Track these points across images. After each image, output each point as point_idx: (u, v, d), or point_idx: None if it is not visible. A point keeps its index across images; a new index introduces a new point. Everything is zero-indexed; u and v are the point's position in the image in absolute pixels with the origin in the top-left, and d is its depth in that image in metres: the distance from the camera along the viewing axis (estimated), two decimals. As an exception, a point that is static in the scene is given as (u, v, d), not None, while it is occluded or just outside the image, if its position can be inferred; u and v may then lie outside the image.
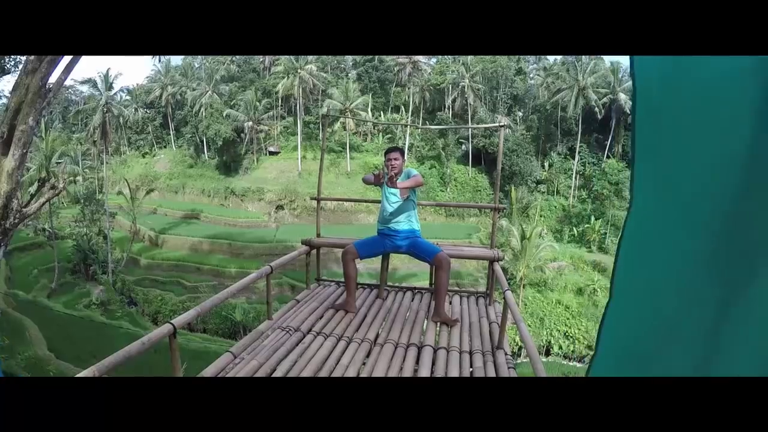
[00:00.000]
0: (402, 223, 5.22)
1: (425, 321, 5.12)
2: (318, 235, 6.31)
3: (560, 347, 38.85)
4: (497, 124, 6.43)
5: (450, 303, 5.74)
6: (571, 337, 39.51)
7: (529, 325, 30.82)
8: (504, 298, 4.10)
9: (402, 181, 4.83)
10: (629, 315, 1.50)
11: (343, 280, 5.92)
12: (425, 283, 7.15)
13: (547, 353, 37.66)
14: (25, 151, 8.38)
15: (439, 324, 4.98)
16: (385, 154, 5.29)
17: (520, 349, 29.32)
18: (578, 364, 36.70)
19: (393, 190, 5.17)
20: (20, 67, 11.74)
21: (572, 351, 38.56)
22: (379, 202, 5.67)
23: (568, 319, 40.62)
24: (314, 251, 6.27)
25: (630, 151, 1.38)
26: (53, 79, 8.76)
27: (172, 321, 3.26)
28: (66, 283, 42.20)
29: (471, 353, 4.34)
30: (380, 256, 5.69)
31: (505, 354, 4.31)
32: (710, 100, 1.26)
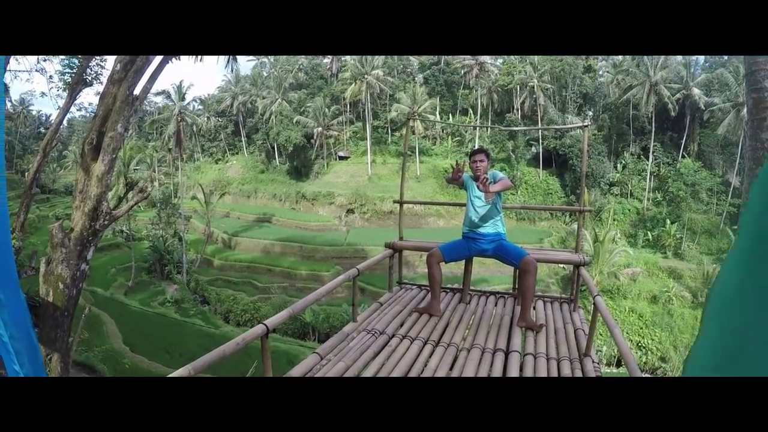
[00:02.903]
0: (488, 227, 5.15)
1: (510, 326, 5.02)
2: (401, 239, 6.31)
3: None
4: (580, 125, 6.24)
5: (534, 308, 5.62)
6: (644, 347, 38.17)
7: (600, 335, 29.95)
8: (594, 303, 3.99)
9: (492, 185, 4.76)
10: (728, 315, 1.41)
11: (424, 283, 5.90)
12: (499, 289, 7.04)
13: (618, 364, 36.50)
14: (114, 156, 8.76)
15: (524, 329, 4.89)
16: (470, 156, 5.22)
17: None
18: (651, 376, 35.32)
19: (478, 194, 5.11)
20: (101, 78, 12.36)
21: (644, 363, 37.05)
22: (461, 205, 5.61)
23: (641, 328, 39.27)
24: (397, 254, 6.27)
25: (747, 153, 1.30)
26: (138, 88, 9.13)
27: (265, 322, 3.28)
28: (142, 281, 43.82)
29: (558, 360, 4.25)
30: (463, 260, 5.62)
31: (593, 362, 4.20)
32: None
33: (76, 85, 12.30)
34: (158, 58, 9.59)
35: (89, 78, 12.74)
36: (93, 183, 8.52)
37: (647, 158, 56.17)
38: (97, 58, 12.66)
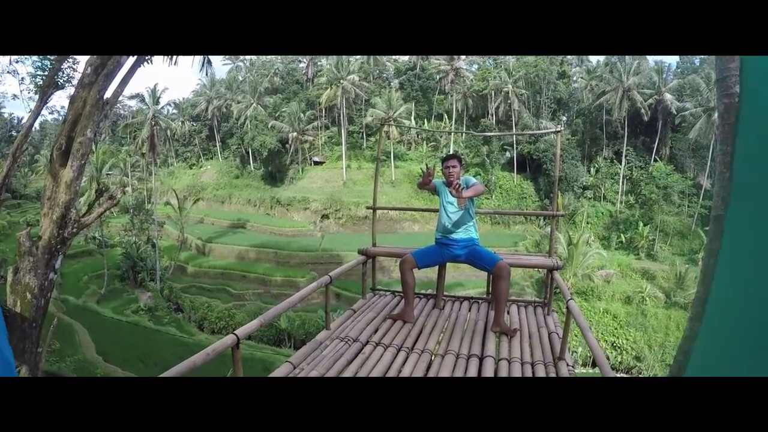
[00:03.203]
0: (461, 232, 5.13)
1: (484, 331, 5.01)
2: (374, 245, 6.26)
3: (607, 358, 37.75)
4: (553, 130, 6.27)
5: (508, 313, 5.63)
6: (619, 347, 38.74)
7: (576, 336, 30.24)
8: (567, 307, 3.99)
9: (465, 191, 4.74)
10: (727, 317, 1.42)
11: (398, 289, 5.86)
12: (474, 293, 7.04)
13: (593, 365, 36.83)
14: (83, 162, 8.59)
15: (499, 334, 4.88)
16: (443, 161, 5.20)
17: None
18: (625, 376, 35.74)
19: (451, 199, 5.09)
20: (74, 81, 12.11)
21: (620, 362, 37.70)
22: (435, 211, 5.59)
23: (615, 329, 39.85)
24: (370, 261, 6.22)
25: (731, 148, 1.32)
26: (109, 92, 8.97)
27: (235, 332, 3.22)
28: (115, 289, 43.34)
29: (533, 364, 4.25)
30: (437, 266, 5.60)
31: (567, 365, 4.21)
32: None
33: (47, 88, 12.04)
34: (130, 62, 9.42)
35: (61, 81, 12.50)
36: (61, 189, 8.34)
37: (620, 162, 57.11)
38: (70, 60, 12.42)
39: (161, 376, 2.50)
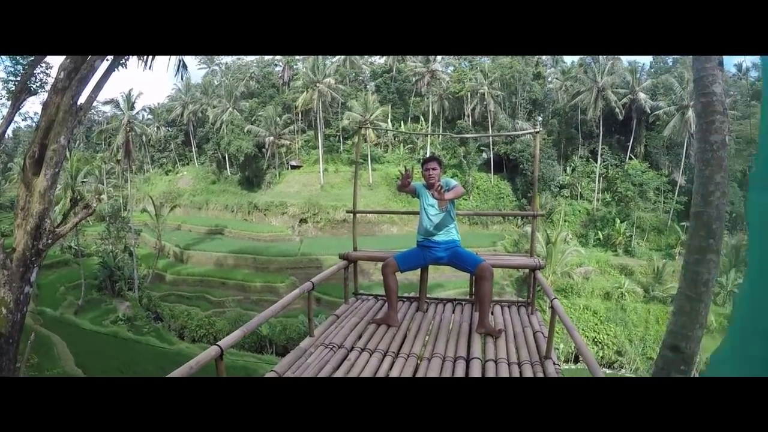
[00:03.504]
0: (442, 235, 5.11)
1: (469, 333, 4.99)
2: (355, 249, 6.22)
3: (590, 355, 38.35)
4: (532, 131, 6.29)
5: (492, 313, 5.62)
6: (600, 342, 39.24)
7: (557, 332, 30.47)
8: (551, 307, 3.99)
9: (446, 193, 4.72)
10: (756, 315, 1.41)
11: (380, 293, 5.82)
12: (452, 294, 7.03)
13: (576, 360, 37.19)
14: (57, 170, 8.41)
15: (484, 335, 4.86)
16: (423, 164, 5.18)
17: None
18: (607, 370, 36.13)
19: (432, 202, 5.07)
20: (47, 86, 11.88)
21: (601, 357, 38.13)
22: (414, 213, 5.57)
23: (596, 324, 40.30)
24: (352, 265, 6.16)
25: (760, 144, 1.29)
26: (83, 98, 8.81)
27: (218, 343, 3.17)
28: (92, 299, 42.53)
29: (519, 364, 4.24)
30: (419, 269, 5.57)
31: (554, 363, 4.22)
32: None
33: (20, 94, 11.79)
34: (104, 66, 9.27)
35: (34, 86, 12.25)
36: (35, 199, 8.16)
37: (596, 161, 57.79)
38: (43, 65, 12.19)
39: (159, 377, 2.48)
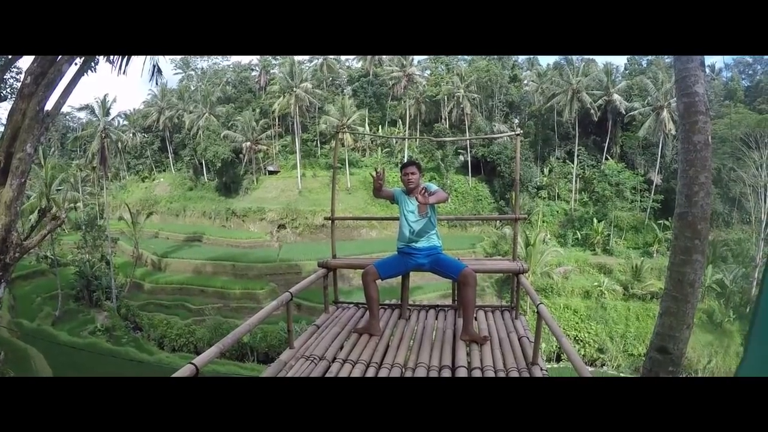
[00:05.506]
0: (423, 241, 4.99)
1: (454, 340, 4.88)
2: (334, 256, 6.08)
3: (571, 354, 38.75)
4: (511, 133, 6.24)
5: (476, 319, 5.51)
6: (581, 341, 39.77)
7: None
8: (538, 312, 3.90)
9: (430, 197, 4.59)
10: None
11: (361, 300, 5.69)
12: (432, 297, 6.93)
13: (558, 359, 37.42)
14: (23, 180, 8.14)
15: (469, 343, 4.75)
16: (402, 168, 5.07)
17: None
18: (590, 368, 36.32)
19: (412, 208, 4.96)
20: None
21: (583, 355, 38.50)
22: (394, 219, 5.46)
23: (577, 323, 40.85)
24: (331, 273, 6.02)
25: None
26: (50, 104, 8.56)
27: (193, 361, 3.02)
28: (70, 310, 41.95)
29: (506, 371, 4.14)
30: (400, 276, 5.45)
31: (541, 369, 4.14)
32: None
33: (-10, 100, 11.47)
34: (72, 71, 9.01)
35: (4, 93, 11.94)
36: (1, 211, 7.87)
37: (572, 162, 58.44)
38: (14, 69, 11.87)
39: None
